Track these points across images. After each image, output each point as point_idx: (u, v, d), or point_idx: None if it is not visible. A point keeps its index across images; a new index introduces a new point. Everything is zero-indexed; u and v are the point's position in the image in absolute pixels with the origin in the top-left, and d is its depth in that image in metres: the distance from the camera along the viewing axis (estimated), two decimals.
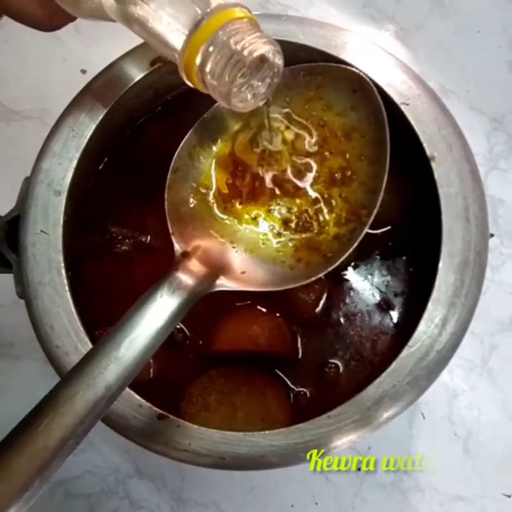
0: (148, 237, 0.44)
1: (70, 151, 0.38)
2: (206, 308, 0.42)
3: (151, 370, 0.41)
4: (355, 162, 0.37)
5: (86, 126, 0.39)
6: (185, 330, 0.42)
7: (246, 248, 0.36)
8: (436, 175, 0.37)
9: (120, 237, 0.44)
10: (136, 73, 0.40)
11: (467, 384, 0.52)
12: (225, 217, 0.36)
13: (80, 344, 0.36)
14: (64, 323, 0.36)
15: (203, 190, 0.36)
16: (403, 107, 0.38)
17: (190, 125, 0.45)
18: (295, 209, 0.36)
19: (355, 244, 0.35)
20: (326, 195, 0.36)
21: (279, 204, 0.36)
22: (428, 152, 0.38)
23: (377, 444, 0.51)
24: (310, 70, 0.38)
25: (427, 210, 0.39)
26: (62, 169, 0.38)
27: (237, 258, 0.36)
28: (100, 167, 0.44)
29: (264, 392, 0.40)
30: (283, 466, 0.35)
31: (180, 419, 0.35)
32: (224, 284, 0.34)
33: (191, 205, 0.35)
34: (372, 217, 0.35)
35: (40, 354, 0.53)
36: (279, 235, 0.36)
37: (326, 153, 0.37)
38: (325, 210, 0.36)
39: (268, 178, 0.36)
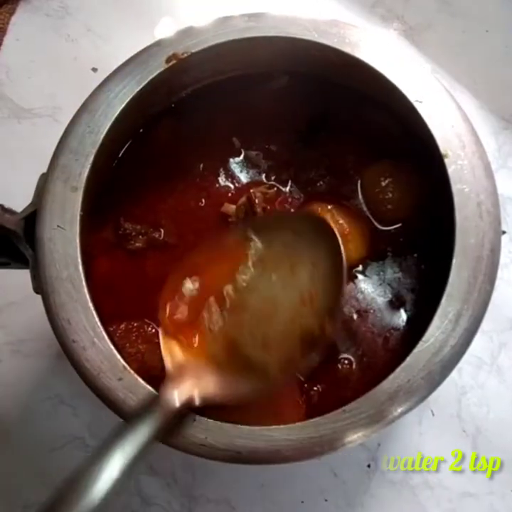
0: (162, 234, 0.44)
1: (86, 147, 0.38)
2: None
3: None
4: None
5: (101, 123, 0.39)
6: None
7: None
8: (449, 172, 0.37)
9: (133, 234, 0.44)
10: (152, 71, 0.40)
11: (476, 381, 0.52)
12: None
13: (97, 339, 0.36)
14: (81, 317, 0.36)
15: None
16: (417, 105, 0.39)
17: (203, 122, 0.46)
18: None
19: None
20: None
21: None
22: (441, 149, 0.38)
23: (386, 441, 0.51)
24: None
25: (439, 206, 0.39)
26: (79, 165, 0.38)
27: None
28: (114, 163, 0.44)
29: None
30: (298, 460, 0.35)
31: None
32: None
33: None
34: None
35: (51, 351, 0.54)
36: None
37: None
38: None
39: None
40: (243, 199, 0.43)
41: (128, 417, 0.32)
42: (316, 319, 0.35)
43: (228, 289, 0.37)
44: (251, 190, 0.43)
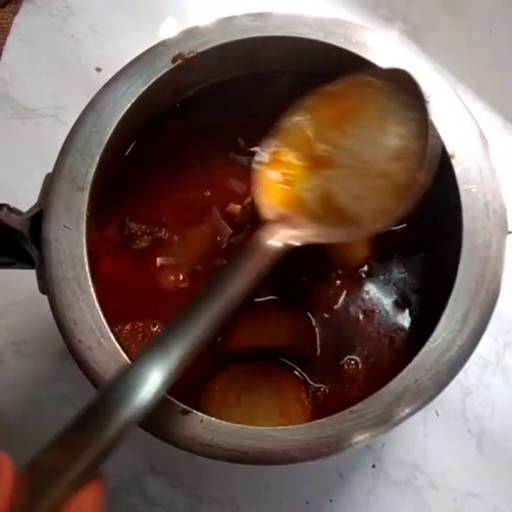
0: (167, 233, 0.44)
1: (92, 147, 0.38)
2: None
3: None
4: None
5: (107, 123, 0.39)
6: None
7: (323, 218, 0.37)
8: (456, 172, 0.38)
9: (138, 233, 0.44)
10: (158, 70, 0.40)
11: (481, 381, 0.52)
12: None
13: (103, 339, 0.36)
14: (87, 318, 0.36)
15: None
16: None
17: (208, 122, 0.46)
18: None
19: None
20: None
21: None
22: (448, 149, 0.38)
23: (391, 441, 0.51)
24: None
25: (445, 206, 0.39)
26: (85, 165, 0.38)
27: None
28: (119, 163, 0.44)
29: (283, 388, 0.40)
30: (305, 460, 0.35)
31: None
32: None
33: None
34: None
35: (53, 350, 0.54)
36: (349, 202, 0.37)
37: None
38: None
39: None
40: (249, 199, 0.43)
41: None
42: (407, 174, 0.35)
43: (320, 145, 0.38)
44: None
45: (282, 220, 0.36)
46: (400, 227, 0.43)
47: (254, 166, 0.38)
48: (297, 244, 0.34)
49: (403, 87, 0.36)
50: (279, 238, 0.34)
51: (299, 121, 0.39)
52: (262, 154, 0.38)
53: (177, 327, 0.31)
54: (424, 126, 0.35)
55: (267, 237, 0.34)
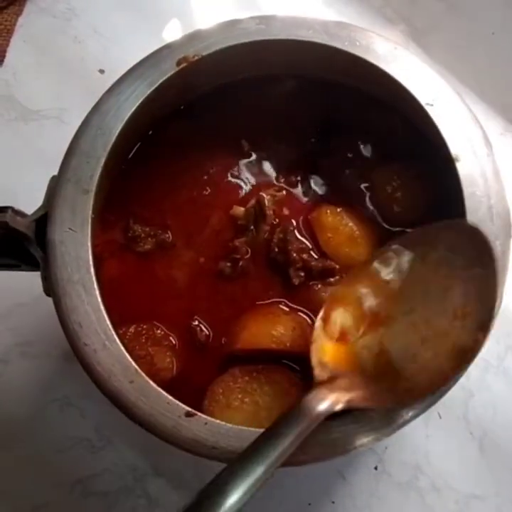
0: (171, 236, 0.44)
1: (97, 149, 0.38)
2: (229, 306, 0.42)
3: (174, 368, 0.41)
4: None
5: (112, 125, 0.39)
6: (208, 328, 0.42)
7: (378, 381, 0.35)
8: (460, 175, 0.38)
9: (142, 235, 0.44)
10: (162, 73, 0.40)
11: (483, 383, 0.52)
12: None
13: (108, 342, 0.36)
14: (92, 320, 0.36)
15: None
16: (428, 108, 0.39)
17: (212, 124, 0.46)
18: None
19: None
20: None
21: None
22: (452, 153, 0.38)
23: (393, 443, 0.51)
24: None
25: (449, 209, 0.39)
26: (90, 168, 0.38)
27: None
28: (123, 165, 0.44)
29: (287, 390, 0.40)
30: (310, 463, 0.35)
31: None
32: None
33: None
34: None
35: (59, 352, 0.54)
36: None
37: None
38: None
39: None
40: (252, 202, 0.44)
41: (269, 428, 0.31)
42: (468, 334, 0.34)
43: (381, 304, 0.37)
44: (260, 193, 0.43)
45: (334, 380, 0.35)
46: (401, 229, 0.43)
47: (316, 325, 0.37)
48: (345, 407, 0.33)
49: (468, 240, 0.35)
50: (328, 405, 0.32)
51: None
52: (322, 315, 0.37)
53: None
54: (492, 283, 0.34)
55: (316, 404, 0.32)
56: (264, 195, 0.43)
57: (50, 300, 0.38)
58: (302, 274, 0.42)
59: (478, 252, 0.34)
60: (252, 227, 0.43)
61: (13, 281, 0.47)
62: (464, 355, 0.34)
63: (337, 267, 0.42)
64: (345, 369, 0.36)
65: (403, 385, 0.34)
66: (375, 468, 0.51)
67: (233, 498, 0.28)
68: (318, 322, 0.37)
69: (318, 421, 0.32)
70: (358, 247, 0.42)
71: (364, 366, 0.36)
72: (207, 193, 0.45)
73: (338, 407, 0.33)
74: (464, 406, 0.52)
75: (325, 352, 0.36)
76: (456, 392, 0.52)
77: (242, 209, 0.44)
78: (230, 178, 0.45)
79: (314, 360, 0.36)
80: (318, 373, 0.35)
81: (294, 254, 0.42)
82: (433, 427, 0.52)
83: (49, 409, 0.52)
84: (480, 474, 0.51)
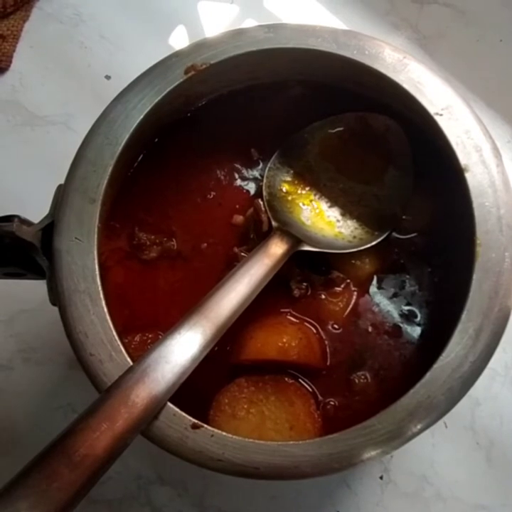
0: (176, 244, 0.44)
1: (104, 158, 0.38)
2: None
3: None
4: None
5: (120, 134, 0.39)
6: None
7: (317, 230, 0.44)
8: (470, 186, 0.37)
9: (148, 244, 0.44)
10: (170, 82, 0.40)
11: (489, 393, 0.52)
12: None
13: (114, 352, 0.36)
14: (98, 330, 0.36)
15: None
16: (437, 118, 0.38)
17: (218, 132, 0.45)
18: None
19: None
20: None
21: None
22: (461, 163, 0.38)
23: (399, 453, 0.51)
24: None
25: (457, 219, 0.39)
26: (97, 177, 0.38)
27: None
28: (129, 173, 0.44)
29: (293, 401, 0.40)
30: (316, 476, 0.35)
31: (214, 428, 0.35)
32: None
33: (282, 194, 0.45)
34: None
35: (63, 359, 0.54)
36: (338, 221, 0.44)
37: None
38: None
39: None
40: (251, 210, 0.43)
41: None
42: (387, 205, 0.43)
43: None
44: (256, 200, 0.43)
45: (285, 226, 0.42)
46: (411, 236, 0.43)
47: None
48: (297, 249, 0.41)
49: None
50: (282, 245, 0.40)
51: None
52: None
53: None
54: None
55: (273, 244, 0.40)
56: (259, 201, 0.43)
57: (54, 307, 0.38)
58: (304, 285, 0.42)
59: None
60: (252, 235, 0.43)
61: (17, 287, 0.47)
62: (384, 221, 0.43)
63: (341, 275, 0.42)
64: (293, 218, 0.44)
65: (335, 232, 0.43)
66: (381, 477, 0.51)
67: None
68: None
69: (275, 259, 0.39)
70: (365, 258, 0.42)
71: (306, 218, 0.44)
72: (212, 201, 0.45)
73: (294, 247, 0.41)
74: (471, 415, 0.52)
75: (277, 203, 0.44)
76: (462, 401, 0.52)
77: (242, 217, 0.44)
78: (236, 186, 0.45)
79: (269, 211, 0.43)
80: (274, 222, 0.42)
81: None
82: (439, 437, 0.51)
83: (53, 417, 0.52)
84: (486, 484, 0.51)
